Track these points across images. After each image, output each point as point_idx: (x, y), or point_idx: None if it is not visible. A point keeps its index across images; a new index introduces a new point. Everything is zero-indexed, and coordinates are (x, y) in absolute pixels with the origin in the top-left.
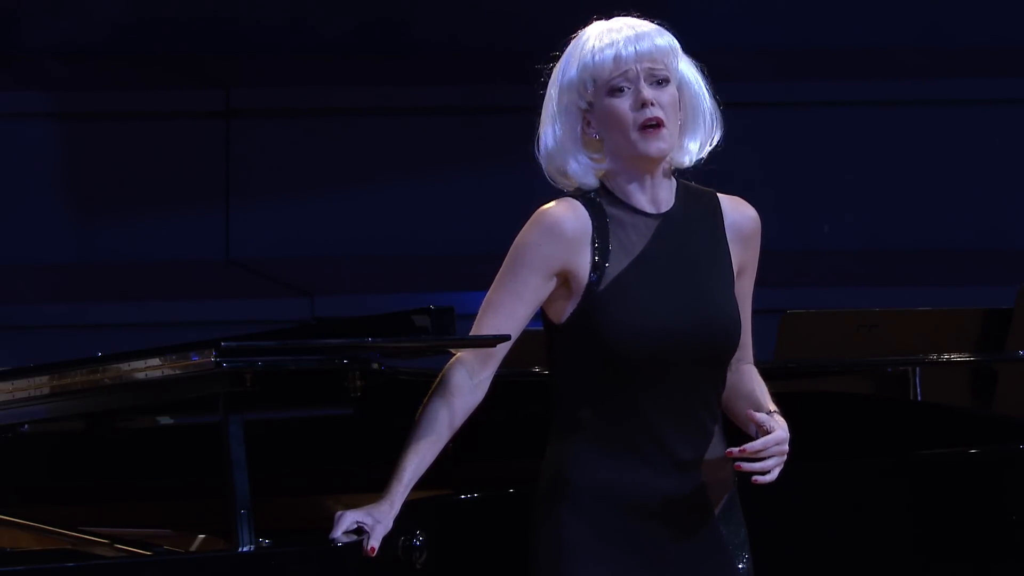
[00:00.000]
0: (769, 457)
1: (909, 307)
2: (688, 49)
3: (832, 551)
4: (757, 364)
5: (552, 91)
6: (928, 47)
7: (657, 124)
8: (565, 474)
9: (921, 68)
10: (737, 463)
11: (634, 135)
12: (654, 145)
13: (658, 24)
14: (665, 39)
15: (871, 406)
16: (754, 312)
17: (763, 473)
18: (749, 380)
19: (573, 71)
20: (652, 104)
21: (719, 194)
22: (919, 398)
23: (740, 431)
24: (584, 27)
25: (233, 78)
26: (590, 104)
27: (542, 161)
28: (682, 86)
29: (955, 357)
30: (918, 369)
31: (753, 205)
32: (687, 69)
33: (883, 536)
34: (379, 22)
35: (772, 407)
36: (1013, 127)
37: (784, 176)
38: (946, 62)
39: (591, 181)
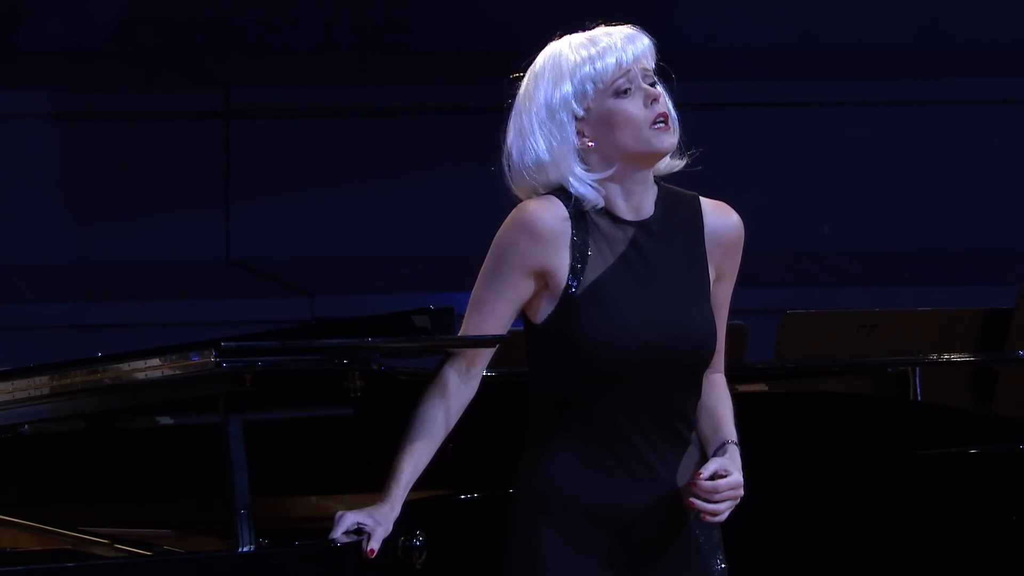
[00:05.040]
0: (722, 500)
1: (909, 307)
2: (688, 49)
3: (832, 551)
4: (757, 365)
5: (535, 107)
6: (928, 47)
7: (665, 119)
8: (538, 482)
9: (921, 68)
10: (691, 500)
11: (646, 132)
12: (667, 139)
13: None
14: (648, 39)
15: (871, 406)
16: (754, 312)
17: (714, 514)
18: (715, 397)
19: (566, 81)
20: (659, 100)
21: (702, 198)
22: (919, 398)
23: None
24: (554, 42)
25: (233, 78)
26: (587, 110)
27: (528, 176)
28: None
29: (955, 357)
30: (918, 369)
31: (753, 205)
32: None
33: (883, 536)
34: (379, 22)
35: (732, 435)
36: (1013, 127)
37: (784, 176)
38: (946, 62)
39: (593, 197)
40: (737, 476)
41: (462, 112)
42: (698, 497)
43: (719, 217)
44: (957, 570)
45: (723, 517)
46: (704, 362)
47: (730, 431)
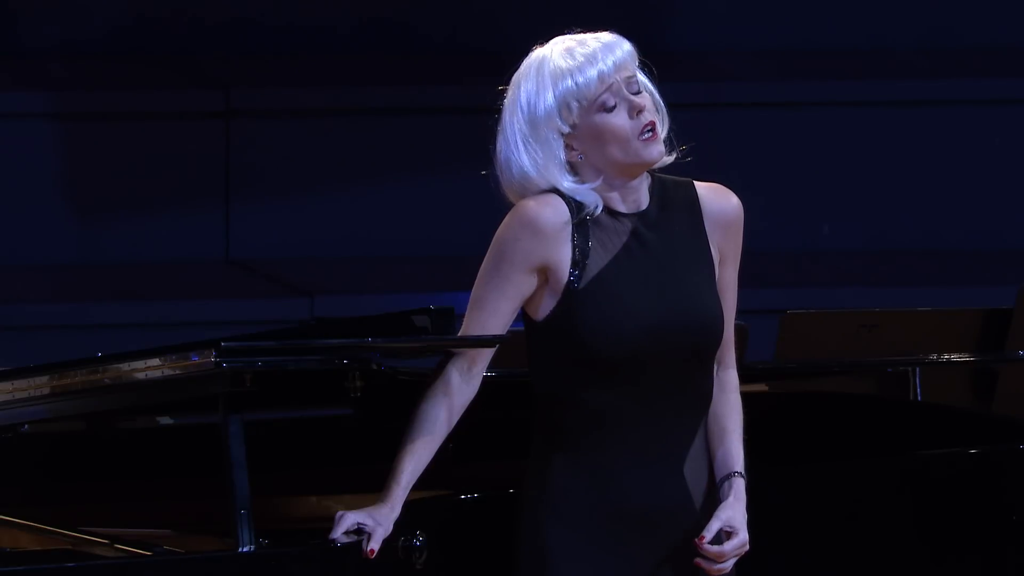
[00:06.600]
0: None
1: (909, 307)
2: (688, 49)
3: (832, 552)
4: (757, 365)
5: (517, 122)
6: (929, 48)
7: (652, 128)
8: (547, 480)
9: (921, 68)
10: (696, 560)
11: (635, 144)
12: (655, 150)
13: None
14: (628, 45)
15: (871, 406)
16: (754, 312)
17: (719, 572)
18: (725, 404)
19: (548, 98)
20: (645, 109)
21: (697, 183)
22: (919, 398)
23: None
24: (536, 50)
25: (233, 78)
26: (573, 126)
27: (516, 187)
28: (644, 88)
29: (955, 357)
30: (918, 369)
31: (754, 205)
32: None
33: (883, 536)
34: (379, 22)
35: (739, 462)
36: (1013, 127)
37: (784, 176)
38: (946, 62)
39: (592, 202)
40: (743, 535)
41: (462, 112)
42: (704, 557)
43: (717, 199)
44: (957, 570)
45: (728, 570)
46: (712, 346)
47: (737, 455)
